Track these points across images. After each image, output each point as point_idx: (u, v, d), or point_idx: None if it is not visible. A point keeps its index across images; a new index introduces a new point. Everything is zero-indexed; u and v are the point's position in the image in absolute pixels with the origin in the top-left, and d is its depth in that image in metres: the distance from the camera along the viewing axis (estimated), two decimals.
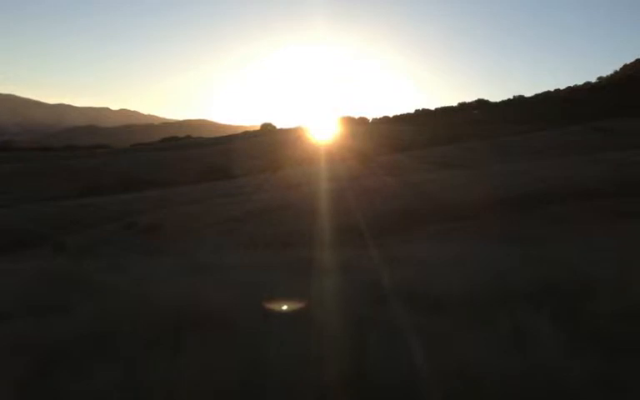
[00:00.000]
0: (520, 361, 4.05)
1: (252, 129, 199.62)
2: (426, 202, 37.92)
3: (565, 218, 26.72)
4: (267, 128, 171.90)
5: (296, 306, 5.68)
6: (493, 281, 6.23)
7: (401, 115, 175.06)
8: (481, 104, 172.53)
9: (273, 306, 5.70)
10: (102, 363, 4.10)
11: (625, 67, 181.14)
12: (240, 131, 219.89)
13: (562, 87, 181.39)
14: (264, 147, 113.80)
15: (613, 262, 7.16)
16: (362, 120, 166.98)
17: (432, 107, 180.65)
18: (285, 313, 5.53)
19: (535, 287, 5.93)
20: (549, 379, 3.85)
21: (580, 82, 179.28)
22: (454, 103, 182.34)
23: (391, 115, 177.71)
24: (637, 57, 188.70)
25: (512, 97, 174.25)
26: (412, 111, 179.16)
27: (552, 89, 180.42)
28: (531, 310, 5.03)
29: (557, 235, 16.23)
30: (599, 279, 5.92)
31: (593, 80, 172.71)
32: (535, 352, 4.19)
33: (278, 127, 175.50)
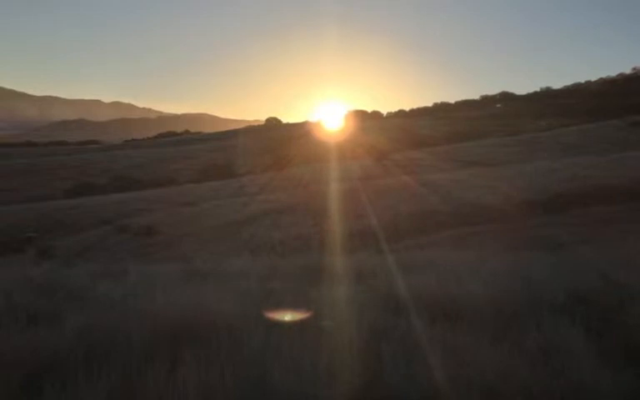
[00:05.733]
0: (546, 374, 4.03)
1: (255, 124, 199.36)
2: (445, 203, 37.88)
3: (600, 221, 26.59)
4: (272, 123, 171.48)
5: (304, 316, 5.67)
6: (519, 289, 6.21)
7: (418, 109, 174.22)
8: (504, 97, 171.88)
9: (279, 316, 5.69)
10: (94, 378, 4.09)
11: None
12: (242, 125, 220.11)
13: (594, 78, 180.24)
14: (269, 144, 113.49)
15: None
16: (376, 114, 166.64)
17: (452, 101, 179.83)
18: (292, 324, 5.52)
19: (564, 296, 5.91)
20: (578, 394, 3.83)
21: (613, 74, 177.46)
22: (476, 96, 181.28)
23: (407, 108, 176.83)
24: None
25: (538, 90, 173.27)
26: (430, 104, 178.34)
27: (582, 81, 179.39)
28: (559, 320, 5.00)
29: (589, 240, 16.10)
30: (634, 288, 5.88)
31: (628, 71, 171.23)
32: (563, 365, 4.17)
33: (284, 121, 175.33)
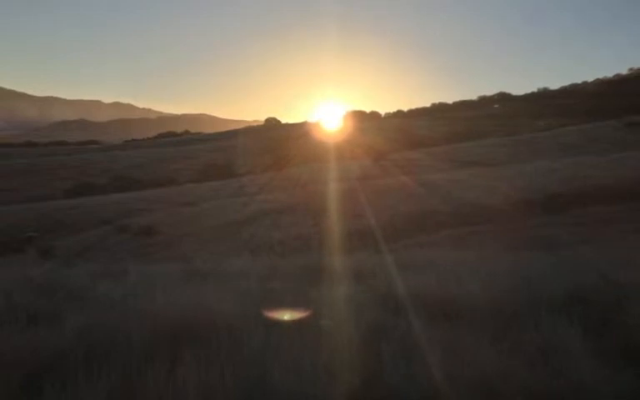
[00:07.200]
0: (547, 374, 4.02)
1: (255, 124, 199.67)
2: (445, 203, 37.89)
3: (600, 221, 26.62)
4: (272, 123, 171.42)
5: (303, 316, 5.66)
6: (519, 289, 6.20)
7: (416, 109, 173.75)
8: (502, 97, 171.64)
9: (279, 316, 5.68)
10: (94, 378, 4.08)
11: None
12: (242, 126, 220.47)
13: (591, 79, 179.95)
14: (269, 144, 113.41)
15: None
16: (374, 114, 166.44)
17: (450, 101, 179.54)
18: (292, 324, 5.51)
19: (562, 296, 5.90)
20: (578, 394, 3.83)
21: (609, 74, 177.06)
22: (474, 97, 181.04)
23: (405, 109, 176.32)
24: None
25: (535, 91, 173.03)
26: (428, 105, 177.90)
27: (579, 82, 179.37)
28: (558, 320, 5.00)
29: (589, 240, 16.13)
30: (634, 288, 5.87)
31: (624, 72, 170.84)
32: (561, 365, 4.16)
33: (283, 121, 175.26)
